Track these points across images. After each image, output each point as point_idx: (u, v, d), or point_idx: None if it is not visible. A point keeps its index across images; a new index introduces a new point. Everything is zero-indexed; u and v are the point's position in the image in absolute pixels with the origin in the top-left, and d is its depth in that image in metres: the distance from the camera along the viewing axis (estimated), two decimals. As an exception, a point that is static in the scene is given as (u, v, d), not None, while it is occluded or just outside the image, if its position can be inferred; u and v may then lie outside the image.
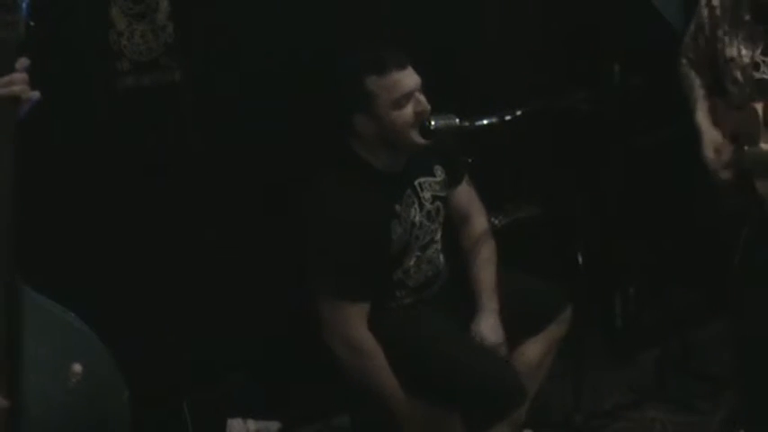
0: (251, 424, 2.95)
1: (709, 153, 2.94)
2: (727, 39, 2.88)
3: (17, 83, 1.85)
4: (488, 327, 2.70)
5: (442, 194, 2.76)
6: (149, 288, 2.86)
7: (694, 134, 3.00)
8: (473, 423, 2.69)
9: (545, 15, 3.55)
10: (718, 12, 2.90)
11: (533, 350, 2.82)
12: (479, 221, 2.86)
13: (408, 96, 2.54)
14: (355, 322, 2.58)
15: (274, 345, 3.12)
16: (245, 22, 2.93)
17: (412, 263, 2.69)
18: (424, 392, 2.66)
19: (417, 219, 2.67)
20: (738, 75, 2.86)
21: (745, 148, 2.83)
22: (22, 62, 1.87)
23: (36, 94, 1.89)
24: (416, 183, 2.69)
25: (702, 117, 3.00)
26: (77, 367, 1.92)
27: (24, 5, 1.87)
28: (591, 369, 3.18)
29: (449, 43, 3.25)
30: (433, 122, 2.54)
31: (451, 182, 2.80)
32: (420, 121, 2.54)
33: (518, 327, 2.76)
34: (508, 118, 2.65)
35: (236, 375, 3.03)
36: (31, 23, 1.89)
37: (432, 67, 2.62)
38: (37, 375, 1.87)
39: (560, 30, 3.57)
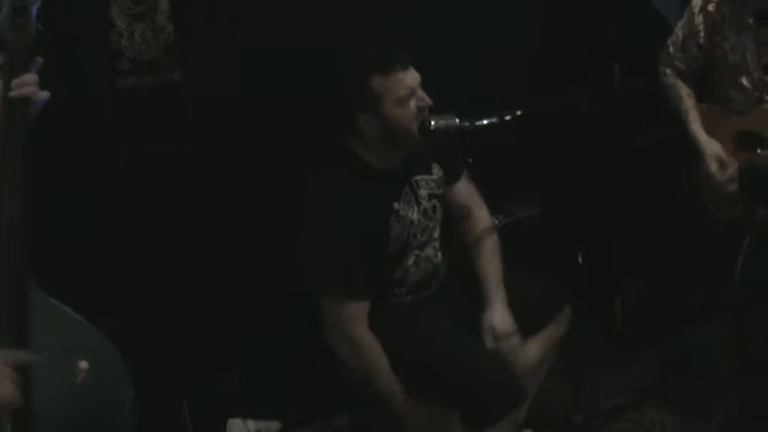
0: (251, 424, 2.95)
1: (713, 168, 2.93)
2: (727, 44, 2.86)
3: (28, 84, 1.87)
4: (499, 318, 2.69)
5: (439, 192, 2.76)
6: (149, 288, 2.86)
7: (691, 145, 3.00)
8: (472, 422, 2.68)
9: (545, 15, 3.55)
10: (716, 17, 2.88)
11: (533, 350, 2.81)
12: (481, 215, 2.86)
13: (411, 93, 2.55)
14: (356, 320, 2.58)
15: (274, 345, 3.12)
16: (245, 22, 2.93)
17: (411, 261, 2.69)
18: (423, 391, 2.66)
19: (415, 216, 2.68)
20: (744, 80, 2.85)
21: (759, 151, 2.82)
22: (38, 62, 1.90)
23: (46, 95, 1.91)
24: (413, 180, 2.70)
25: (698, 129, 2.99)
26: (84, 364, 1.93)
27: (35, 9, 1.90)
28: (591, 369, 3.18)
29: (449, 43, 3.25)
30: (432, 122, 2.54)
31: (450, 179, 2.80)
32: (422, 116, 2.55)
33: (517, 326, 2.75)
34: (508, 118, 2.65)
35: (236, 375, 3.04)
36: (40, 27, 1.91)
37: (432, 67, 2.62)
38: (44, 372, 1.88)
39: (560, 30, 3.57)
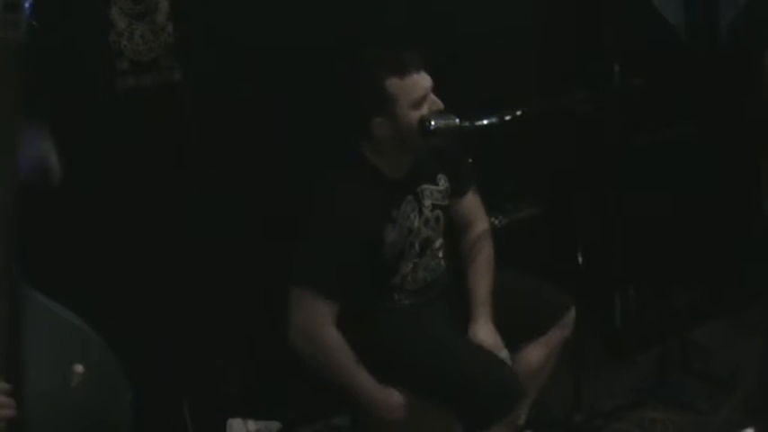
0: (251, 424, 2.95)
1: None
2: None
3: None
4: (484, 334, 2.69)
5: (443, 203, 2.75)
6: (149, 288, 2.86)
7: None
8: (471, 424, 2.68)
9: (545, 15, 3.55)
10: None
11: (536, 353, 2.81)
12: (481, 229, 2.86)
13: (425, 96, 2.54)
14: (323, 320, 2.54)
15: (274, 345, 3.12)
16: (246, 22, 2.93)
17: (409, 269, 2.69)
18: (421, 393, 2.65)
19: (416, 225, 2.67)
20: None
21: None
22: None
23: None
24: (419, 189, 2.69)
25: None
26: (79, 368, 1.92)
27: (27, 5, 1.87)
28: (591, 369, 3.18)
29: (449, 43, 3.25)
30: (432, 122, 2.53)
31: (457, 191, 2.80)
32: (423, 117, 2.55)
33: (520, 330, 2.75)
34: (508, 118, 2.64)
35: (236, 375, 3.03)
36: (34, 23, 1.89)
37: (432, 67, 2.61)
38: (39, 376, 1.87)
39: (560, 30, 3.57)
